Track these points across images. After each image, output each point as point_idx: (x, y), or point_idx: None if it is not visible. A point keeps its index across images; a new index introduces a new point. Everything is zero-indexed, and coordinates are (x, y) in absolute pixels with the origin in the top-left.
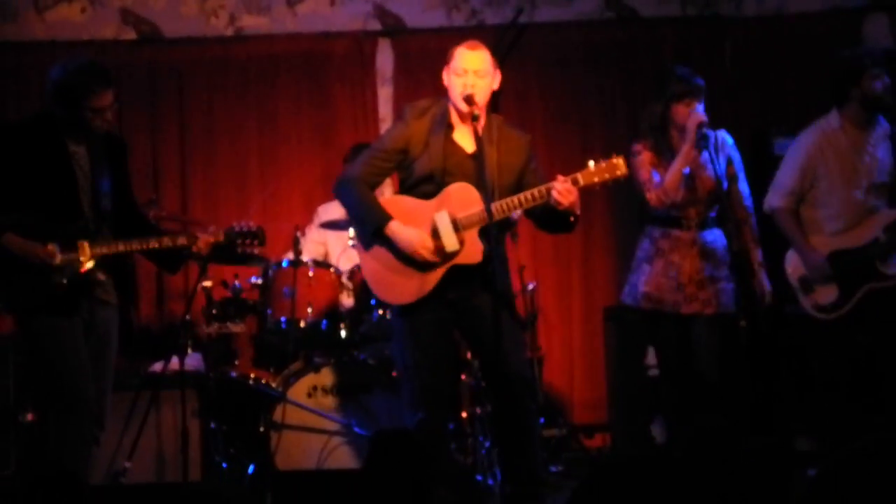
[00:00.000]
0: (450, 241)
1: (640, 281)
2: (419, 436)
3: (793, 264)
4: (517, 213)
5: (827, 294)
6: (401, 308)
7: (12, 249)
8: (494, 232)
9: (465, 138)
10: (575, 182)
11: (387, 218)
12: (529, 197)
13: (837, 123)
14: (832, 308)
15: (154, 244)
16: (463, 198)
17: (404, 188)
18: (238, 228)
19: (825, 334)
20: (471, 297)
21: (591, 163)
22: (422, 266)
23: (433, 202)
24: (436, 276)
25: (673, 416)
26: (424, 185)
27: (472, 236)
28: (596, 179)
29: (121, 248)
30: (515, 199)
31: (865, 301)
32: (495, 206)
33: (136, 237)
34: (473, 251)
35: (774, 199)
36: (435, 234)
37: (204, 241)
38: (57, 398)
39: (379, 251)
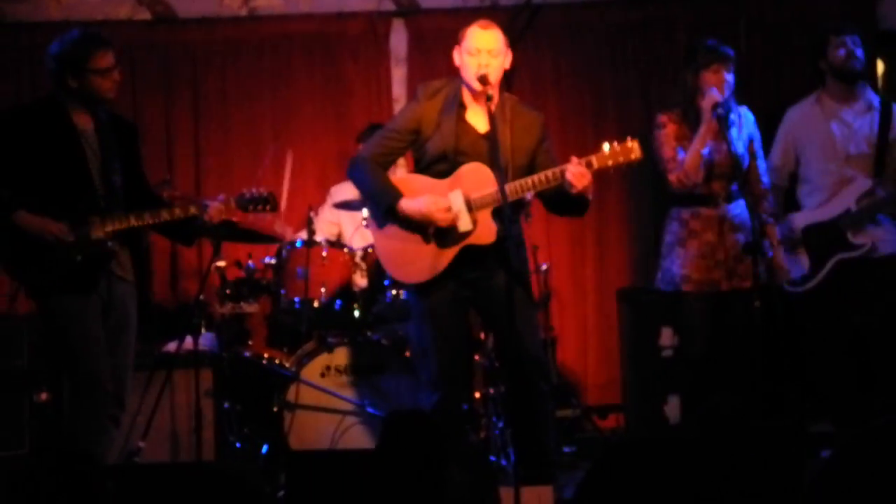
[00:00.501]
0: (463, 221)
1: (675, 265)
2: (436, 416)
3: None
4: (530, 194)
5: (798, 267)
6: (417, 288)
7: (25, 227)
8: (508, 212)
9: (478, 118)
10: (589, 165)
11: (398, 195)
12: (543, 178)
13: (815, 98)
14: (803, 280)
15: (165, 216)
16: (476, 178)
17: (419, 168)
18: (249, 195)
19: (806, 309)
20: (488, 277)
21: (606, 145)
22: (438, 241)
23: (447, 181)
24: (449, 255)
25: (689, 396)
26: (438, 165)
27: (486, 217)
28: (610, 163)
29: (133, 221)
30: (529, 180)
31: (839, 273)
32: (508, 187)
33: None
34: (487, 232)
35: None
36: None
37: (214, 209)
38: (71, 378)
39: (392, 230)
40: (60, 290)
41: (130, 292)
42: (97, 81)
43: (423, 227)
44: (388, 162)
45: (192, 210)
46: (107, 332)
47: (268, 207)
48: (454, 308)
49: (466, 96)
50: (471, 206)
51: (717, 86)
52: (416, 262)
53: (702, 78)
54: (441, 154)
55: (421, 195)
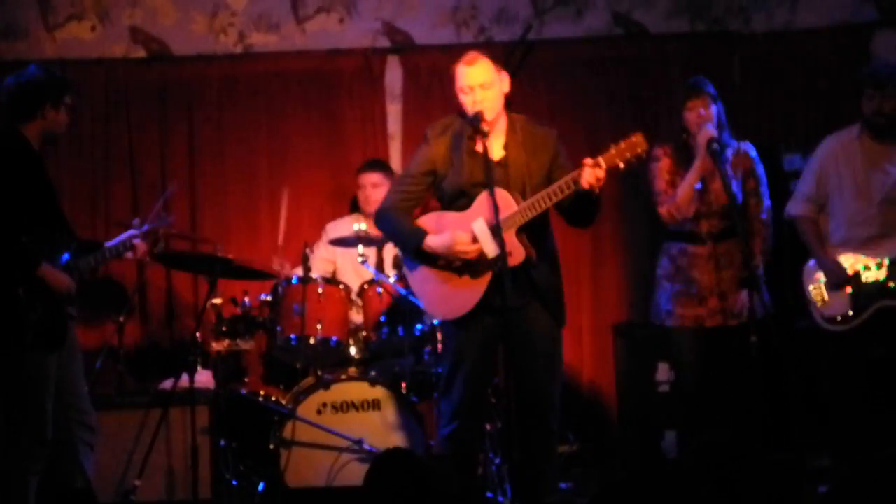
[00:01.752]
0: (489, 247)
1: (662, 299)
2: (451, 445)
3: (808, 273)
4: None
5: (839, 306)
6: (454, 322)
7: (47, 281)
8: (537, 229)
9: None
10: (597, 165)
11: (422, 234)
12: (557, 190)
13: (856, 133)
14: (843, 320)
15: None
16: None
17: (443, 207)
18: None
19: (835, 348)
20: (522, 307)
21: (612, 145)
22: (469, 273)
23: (469, 213)
24: (483, 283)
25: (686, 431)
26: (459, 200)
27: (511, 238)
28: (618, 160)
29: (92, 263)
30: (546, 193)
31: (877, 317)
32: (528, 202)
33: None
34: (515, 252)
35: (793, 206)
36: (474, 243)
37: (142, 250)
38: (25, 428)
39: (425, 271)
40: (39, 346)
41: (73, 328)
42: (67, 117)
43: (452, 263)
44: (410, 207)
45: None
46: (64, 365)
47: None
48: (484, 345)
49: (471, 129)
50: (494, 232)
51: (693, 123)
52: (454, 297)
53: (684, 117)
54: (459, 189)
55: (447, 230)
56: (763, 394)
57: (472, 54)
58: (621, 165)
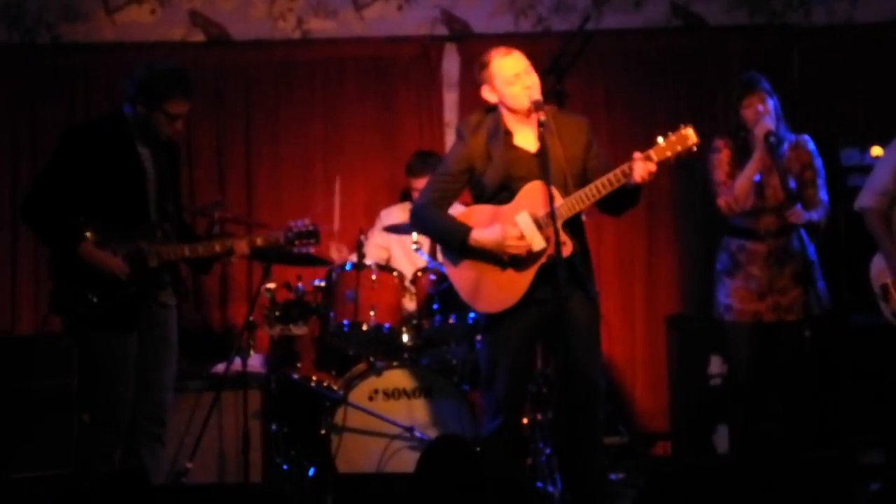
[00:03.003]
0: (536, 241)
1: (721, 293)
2: (496, 441)
3: (877, 269)
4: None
5: None
6: (493, 316)
7: (88, 261)
8: (574, 220)
9: (526, 140)
10: (648, 159)
11: (466, 230)
12: (607, 182)
13: None
14: None
15: (217, 248)
16: (539, 196)
17: (481, 202)
18: (296, 229)
19: None
20: (565, 298)
21: (660, 138)
22: (514, 266)
23: (511, 206)
24: (528, 276)
25: (740, 427)
26: (500, 195)
27: (560, 230)
28: (668, 154)
29: (187, 253)
30: (593, 187)
31: None
32: (573, 197)
33: (194, 241)
34: (566, 244)
35: (865, 198)
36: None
37: (239, 246)
38: (93, 409)
39: (467, 263)
40: (103, 327)
41: (171, 317)
42: (162, 122)
43: (497, 256)
44: (447, 204)
45: (230, 244)
46: (145, 353)
47: (312, 241)
48: (526, 337)
49: (510, 121)
50: (540, 225)
51: (751, 119)
52: (498, 290)
53: (740, 113)
54: (500, 184)
55: (489, 225)
56: (816, 390)
57: (501, 47)
58: (672, 159)
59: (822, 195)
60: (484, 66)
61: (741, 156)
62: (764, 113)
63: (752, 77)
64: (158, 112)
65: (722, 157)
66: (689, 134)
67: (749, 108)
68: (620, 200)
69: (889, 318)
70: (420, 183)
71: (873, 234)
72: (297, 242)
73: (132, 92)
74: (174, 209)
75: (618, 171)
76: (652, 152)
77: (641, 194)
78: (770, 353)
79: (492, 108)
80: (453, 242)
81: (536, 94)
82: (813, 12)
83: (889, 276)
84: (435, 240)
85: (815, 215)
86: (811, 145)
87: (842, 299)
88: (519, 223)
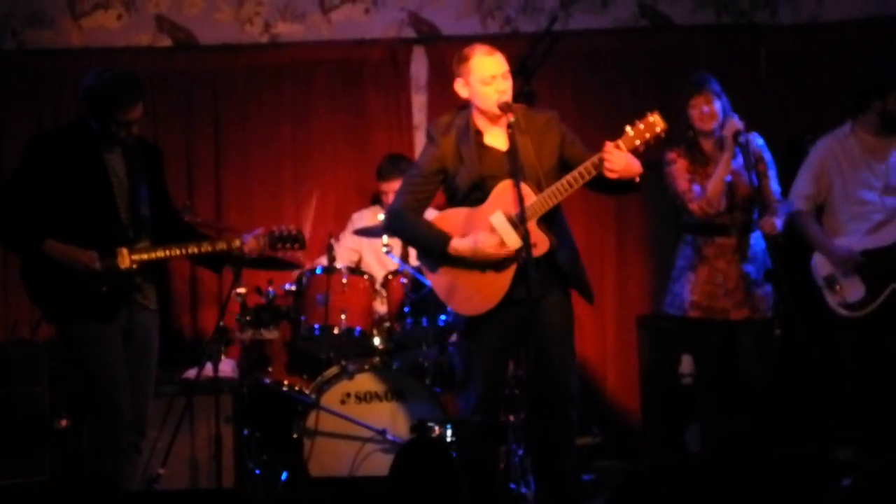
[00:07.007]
0: (511, 239)
1: (684, 289)
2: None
3: (818, 264)
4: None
5: (854, 291)
6: (474, 318)
7: (54, 256)
8: (554, 215)
9: (496, 139)
10: (617, 148)
11: (447, 238)
12: (578, 176)
13: (849, 129)
14: (860, 305)
15: (194, 249)
16: (512, 194)
17: (454, 203)
18: (279, 233)
19: (855, 338)
20: (544, 294)
21: (628, 127)
22: (493, 267)
23: (485, 206)
24: (507, 276)
25: (710, 423)
26: (472, 195)
27: (533, 228)
28: (638, 142)
29: (160, 254)
30: (564, 181)
31: (892, 301)
32: (546, 192)
33: (175, 243)
34: (539, 243)
35: (793, 203)
36: (496, 238)
37: (251, 244)
38: (92, 407)
39: (447, 268)
40: (81, 317)
41: (152, 320)
42: (115, 129)
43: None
44: (422, 207)
45: (221, 245)
46: (127, 359)
47: (297, 246)
48: (505, 339)
49: (480, 121)
50: (514, 223)
51: (696, 119)
52: (479, 292)
53: (688, 114)
54: (472, 184)
55: (465, 228)
56: (786, 386)
57: (485, 46)
58: (641, 147)
59: (775, 186)
60: (464, 60)
61: (695, 159)
62: (709, 115)
63: (701, 77)
64: (111, 123)
65: (678, 167)
66: (657, 120)
67: (695, 108)
68: (613, 188)
69: (835, 307)
70: (390, 186)
71: (805, 234)
72: (279, 246)
73: (83, 101)
74: (158, 212)
75: (588, 163)
76: (621, 142)
77: (642, 182)
78: (737, 349)
79: (463, 106)
80: (434, 250)
81: (509, 100)
82: (779, 11)
83: (831, 267)
84: (413, 246)
85: (780, 222)
86: (760, 140)
87: (809, 296)
88: (494, 223)
